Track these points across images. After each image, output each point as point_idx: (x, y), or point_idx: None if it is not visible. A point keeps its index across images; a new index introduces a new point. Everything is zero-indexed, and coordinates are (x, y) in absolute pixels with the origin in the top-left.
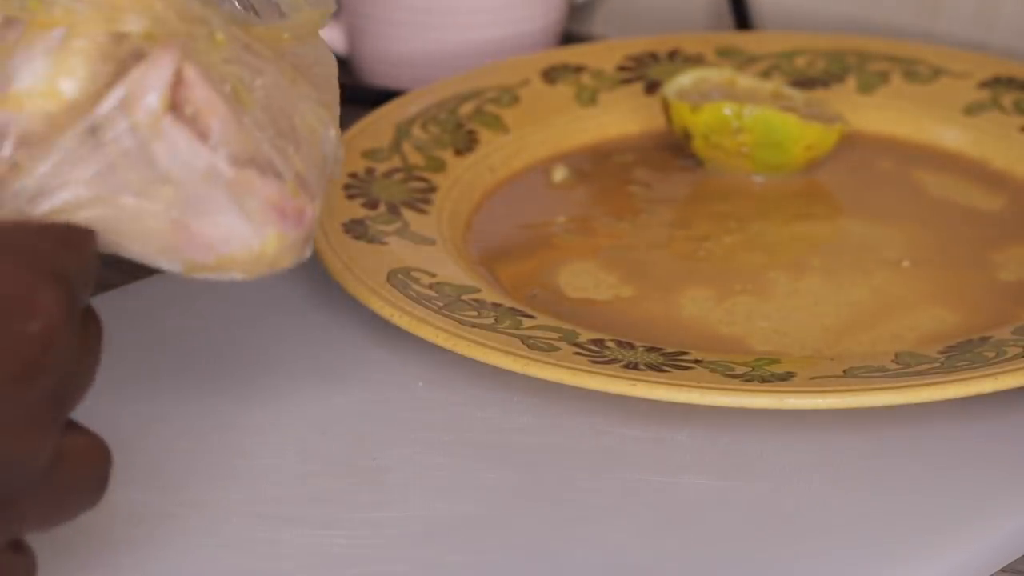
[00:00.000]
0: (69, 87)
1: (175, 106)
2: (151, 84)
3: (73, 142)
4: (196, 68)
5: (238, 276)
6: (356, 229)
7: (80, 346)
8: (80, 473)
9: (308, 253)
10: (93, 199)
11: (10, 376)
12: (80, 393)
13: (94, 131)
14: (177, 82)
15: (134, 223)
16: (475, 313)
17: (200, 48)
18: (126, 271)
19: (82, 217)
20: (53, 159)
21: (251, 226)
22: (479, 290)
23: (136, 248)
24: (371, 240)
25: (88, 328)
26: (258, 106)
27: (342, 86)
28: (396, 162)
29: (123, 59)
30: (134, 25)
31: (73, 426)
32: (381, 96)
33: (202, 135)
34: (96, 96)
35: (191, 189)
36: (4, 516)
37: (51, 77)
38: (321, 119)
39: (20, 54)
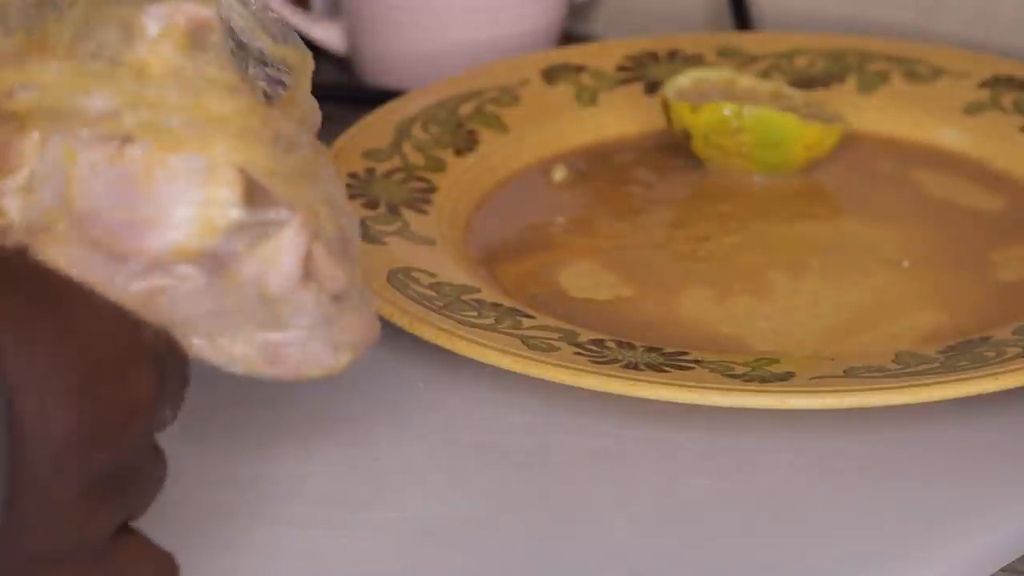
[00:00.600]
0: (222, 221)
1: (306, 274)
2: (287, 253)
3: (198, 275)
4: (321, 244)
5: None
6: None
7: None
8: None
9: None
10: (197, 331)
11: (87, 437)
12: (144, 501)
13: (220, 270)
14: (307, 253)
15: (224, 353)
16: (475, 313)
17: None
18: None
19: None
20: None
21: (335, 354)
22: (479, 290)
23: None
24: (371, 240)
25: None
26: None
27: (342, 86)
28: (396, 162)
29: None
30: (240, 156)
31: (139, 540)
32: (381, 96)
33: (322, 290)
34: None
35: (297, 331)
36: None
37: (204, 213)
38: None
39: (163, 187)
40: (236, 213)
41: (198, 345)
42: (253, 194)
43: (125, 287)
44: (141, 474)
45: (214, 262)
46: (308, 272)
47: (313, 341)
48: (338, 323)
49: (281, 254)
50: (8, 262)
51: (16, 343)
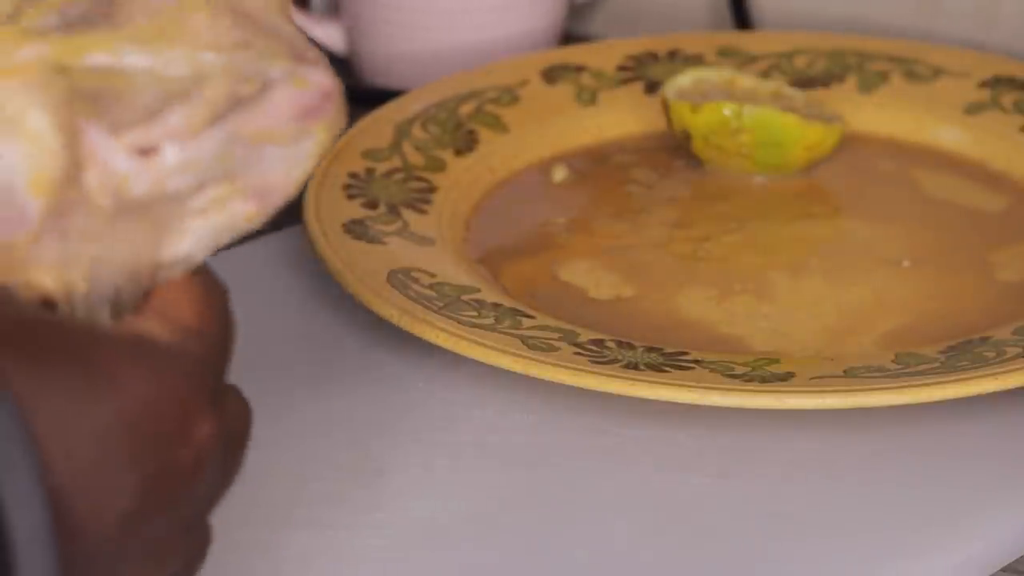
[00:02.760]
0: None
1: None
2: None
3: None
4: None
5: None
6: (356, 229)
7: (225, 449)
8: (236, 448)
9: (346, 115)
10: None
11: (155, 505)
12: (221, 494)
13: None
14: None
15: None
16: (475, 313)
17: None
18: None
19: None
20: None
21: (294, 148)
22: (479, 290)
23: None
24: (371, 240)
25: (233, 416)
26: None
27: (342, 86)
28: (396, 162)
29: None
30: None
31: None
32: (381, 96)
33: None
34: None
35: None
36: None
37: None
38: None
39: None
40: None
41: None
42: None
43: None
44: (219, 486)
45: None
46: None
47: (265, 157)
48: (253, 121)
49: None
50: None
51: (51, 416)
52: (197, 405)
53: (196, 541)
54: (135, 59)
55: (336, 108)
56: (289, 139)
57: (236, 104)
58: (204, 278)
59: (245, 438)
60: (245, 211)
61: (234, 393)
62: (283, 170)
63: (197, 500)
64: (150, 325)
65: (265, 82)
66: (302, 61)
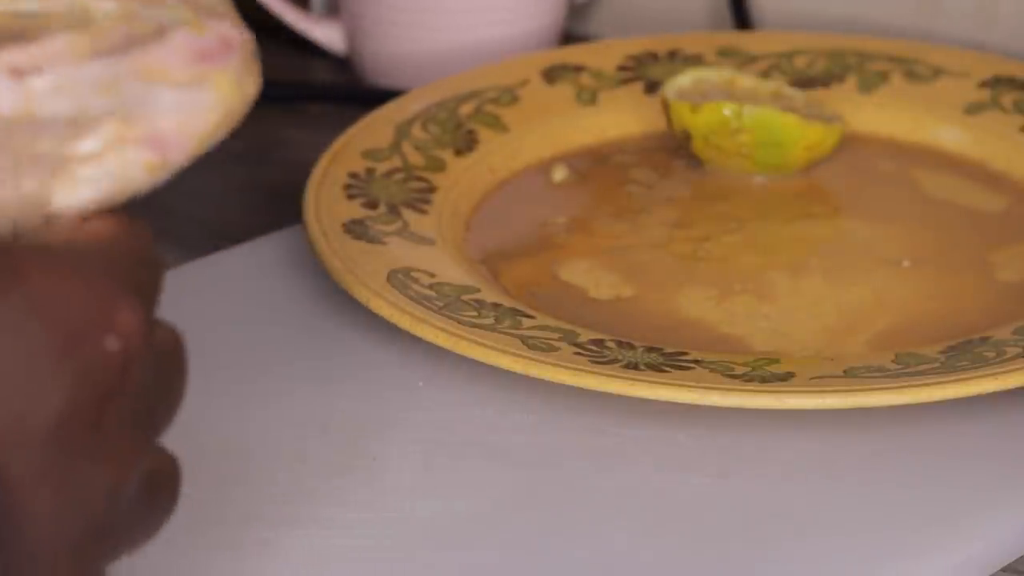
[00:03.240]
0: None
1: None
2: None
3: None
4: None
5: (224, 134)
6: (356, 229)
7: (160, 362)
8: (161, 493)
9: (258, 78)
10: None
11: (89, 401)
12: (168, 414)
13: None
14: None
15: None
16: (475, 313)
17: None
18: None
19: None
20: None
21: (191, 95)
22: (479, 290)
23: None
24: (371, 240)
25: (166, 342)
26: None
27: (342, 86)
28: (396, 162)
29: None
30: None
31: None
32: (381, 96)
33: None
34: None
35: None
36: (102, 547)
37: None
38: None
39: None
40: None
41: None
42: None
43: None
44: (161, 400)
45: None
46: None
47: (155, 99)
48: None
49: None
50: None
51: None
52: (116, 292)
53: (154, 463)
54: (26, 5)
55: (241, 62)
56: (183, 81)
57: (127, 42)
58: (118, 214)
59: (179, 357)
60: (143, 159)
61: (162, 322)
62: (179, 117)
63: (138, 404)
64: (60, 233)
65: (161, 25)
66: (207, 14)
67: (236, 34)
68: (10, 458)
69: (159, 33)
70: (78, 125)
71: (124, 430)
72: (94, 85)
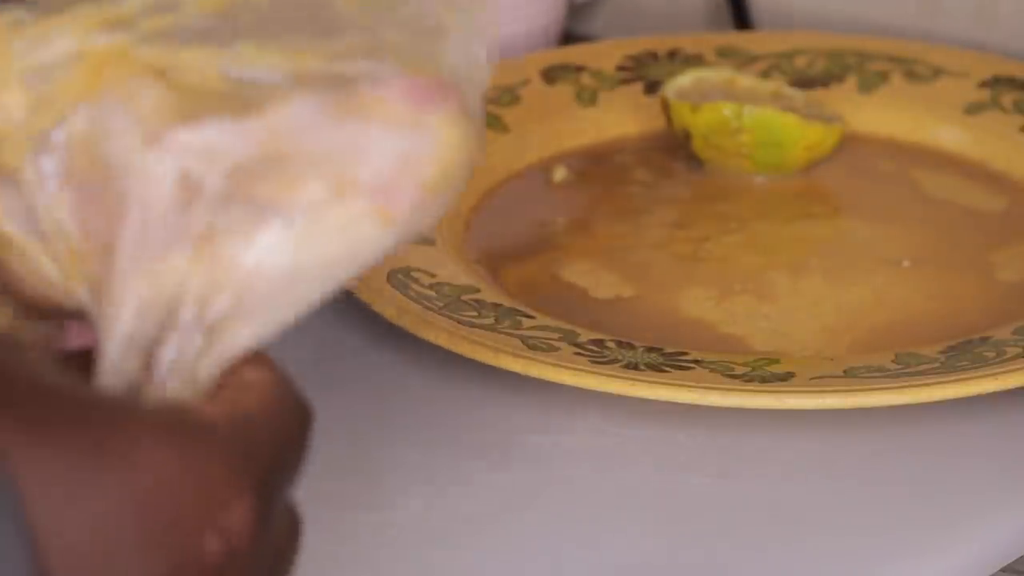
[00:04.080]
0: None
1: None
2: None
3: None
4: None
5: (448, 199)
6: None
7: (273, 556)
8: None
9: (481, 136)
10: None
11: None
12: None
13: None
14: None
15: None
16: (475, 313)
17: None
18: None
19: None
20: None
21: (410, 131)
22: (479, 290)
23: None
24: None
25: (284, 533)
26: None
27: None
28: None
29: None
30: None
31: None
32: None
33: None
34: None
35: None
36: None
37: None
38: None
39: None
40: None
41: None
42: None
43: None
44: None
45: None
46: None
47: (371, 139)
48: (366, 106)
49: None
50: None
51: (51, 500)
52: (231, 487)
53: None
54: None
55: (460, 110)
56: (398, 123)
57: (335, 81)
58: (275, 367)
59: (295, 543)
60: (370, 209)
61: (289, 507)
62: (399, 164)
63: None
64: (200, 401)
65: (372, 70)
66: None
67: (452, 83)
68: None
69: (371, 76)
70: (290, 173)
71: None
72: (304, 126)
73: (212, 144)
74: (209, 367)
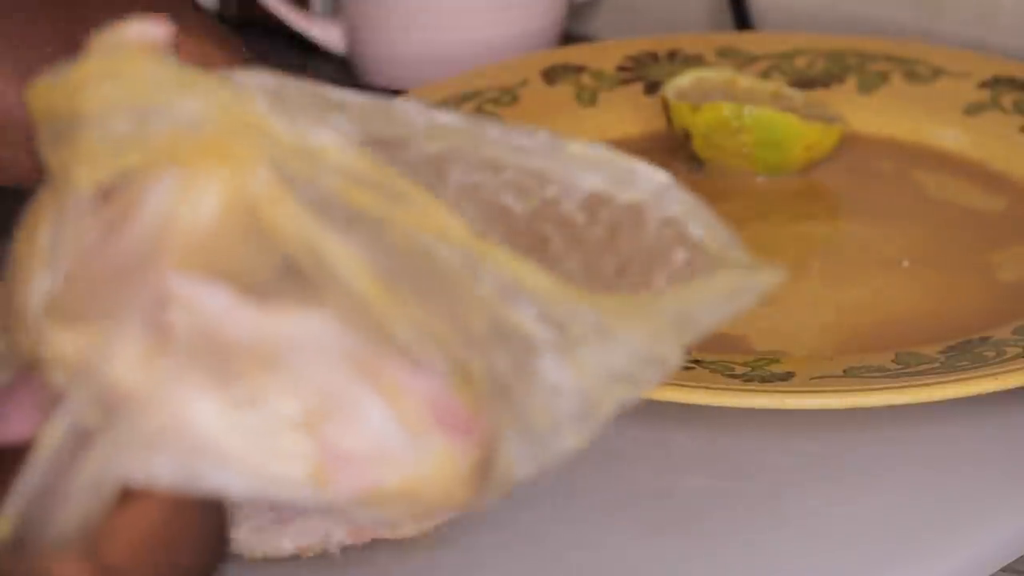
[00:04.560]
0: None
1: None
2: None
3: None
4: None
5: (394, 515)
6: None
7: None
8: None
9: (478, 495)
10: None
11: None
12: None
13: None
14: None
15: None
16: None
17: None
18: None
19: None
20: None
21: (406, 432)
22: None
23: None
24: None
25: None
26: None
27: (342, 86)
28: None
29: None
30: None
31: None
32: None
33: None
34: None
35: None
36: None
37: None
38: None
39: None
40: None
41: None
42: None
43: None
44: None
45: None
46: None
47: (365, 410)
48: (394, 387)
49: None
50: None
51: None
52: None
53: None
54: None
55: (472, 461)
56: (401, 417)
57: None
58: (171, 508)
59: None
60: (311, 453)
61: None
62: (370, 447)
63: None
64: (64, 568)
65: (423, 352)
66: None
67: (488, 428)
68: None
69: (414, 357)
70: (271, 374)
71: None
72: (313, 352)
73: (208, 309)
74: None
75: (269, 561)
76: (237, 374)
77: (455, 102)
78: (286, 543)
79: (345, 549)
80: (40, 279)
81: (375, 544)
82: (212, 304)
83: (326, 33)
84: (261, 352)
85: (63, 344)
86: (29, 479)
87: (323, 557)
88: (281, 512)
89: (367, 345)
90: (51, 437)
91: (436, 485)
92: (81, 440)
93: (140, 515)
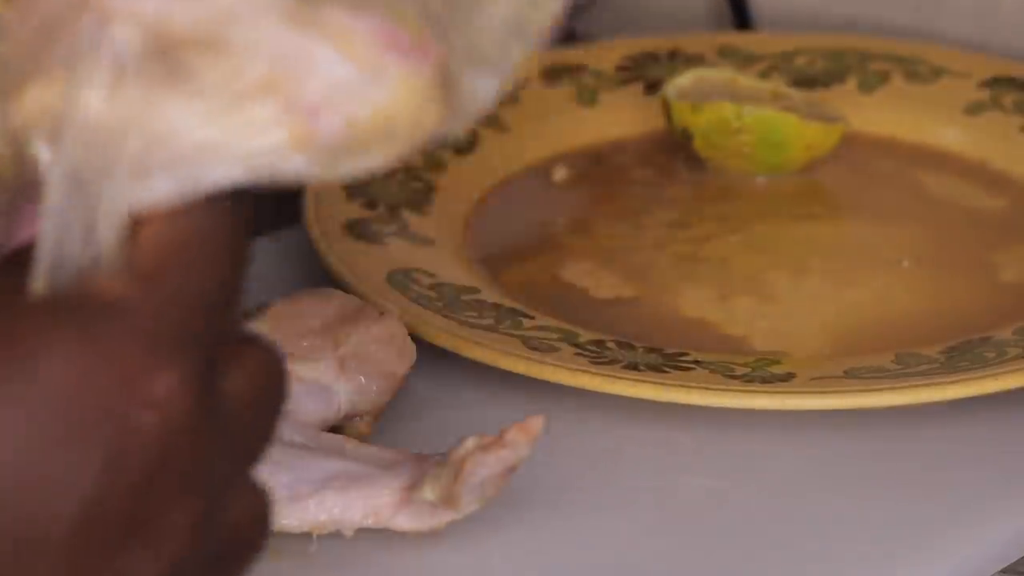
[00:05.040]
0: None
1: None
2: None
3: None
4: None
5: (379, 156)
6: (356, 229)
7: (237, 407)
8: (241, 544)
9: (448, 115)
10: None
11: (123, 490)
12: (254, 454)
13: None
14: None
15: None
16: (475, 313)
17: None
18: None
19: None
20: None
21: (362, 67)
22: (479, 290)
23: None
24: (371, 240)
25: (249, 378)
26: None
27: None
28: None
29: None
30: None
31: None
32: None
33: None
34: None
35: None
36: None
37: None
38: None
39: None
40: None
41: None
42: None
43: None
44: (239, 447)
45: None
46: None
47: (317, 55)
48: (335, 29)
49: None
50: None
51: None
52: (149, 359)
53: (230, 516)
54: None
55: (430, 78)
56: (355, 55)
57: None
58: (195, 216)
59: (274, 392)
60: (284, 119)
61: (251, 346)
62: (336, 92)
63: (197, 468)
64: (107, 275)
65: (358, 4)
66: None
67: (438, 49)
68: (29, 570)
69: (352, 6)
70: (220, 53)
71: (177, 502)
72: (256, 17)
73: (147, 10)
74: (113, 219)
75: (282, 536)
76: (193, 67)
77: None
78: (300, 519)
79: (358, 532)
80: None
81: (379, 537)
82: (149, 5)
83: None
84: (205, 37)
85: (30, 105)
86: (46, 238)
87: (334, 540)
88: (296, 488)
89: (302, 1)
90: (54, 196)
91: (405, 107)
92: (81, 187)
93: (158, 232)
